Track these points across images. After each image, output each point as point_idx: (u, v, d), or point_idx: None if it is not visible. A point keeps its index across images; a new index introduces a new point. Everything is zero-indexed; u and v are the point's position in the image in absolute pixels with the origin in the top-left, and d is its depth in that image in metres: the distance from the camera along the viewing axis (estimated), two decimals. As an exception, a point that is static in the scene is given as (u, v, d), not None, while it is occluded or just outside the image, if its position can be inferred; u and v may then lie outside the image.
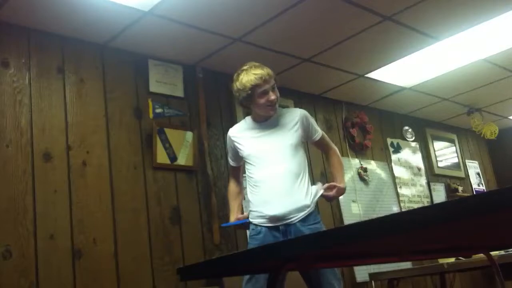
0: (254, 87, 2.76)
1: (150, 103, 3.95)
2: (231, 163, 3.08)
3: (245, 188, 3.06)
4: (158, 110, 3.98)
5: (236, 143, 2.96)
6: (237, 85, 2.82)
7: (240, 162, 3.02)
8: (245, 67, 2.84)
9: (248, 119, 2.99)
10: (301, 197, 2.78)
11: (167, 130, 3.94)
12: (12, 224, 3.08)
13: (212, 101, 4.35)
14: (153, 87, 4.00)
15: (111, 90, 3.77)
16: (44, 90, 3.44)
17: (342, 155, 5.25)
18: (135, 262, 3.52)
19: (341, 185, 3.00)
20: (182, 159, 3.96)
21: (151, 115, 3.92)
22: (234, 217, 3.00)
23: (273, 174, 2.80)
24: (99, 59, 3.77)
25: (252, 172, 2.87)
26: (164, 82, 4.08)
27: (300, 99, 5.11)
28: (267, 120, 2.91)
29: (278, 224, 2.75)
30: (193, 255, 3.79)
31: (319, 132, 3.04)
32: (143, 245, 3.60)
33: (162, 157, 3.85)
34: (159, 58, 4.07)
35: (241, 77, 2.81)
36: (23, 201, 3.15)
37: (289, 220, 2.74)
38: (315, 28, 3.97)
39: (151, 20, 3.55)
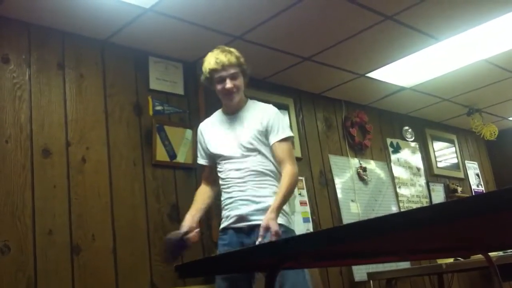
0: (211, 71, 2.68)
1: (150, 100, 3.94)
2: (201, 161, 2.86)
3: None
4: (158, 107, 3.97)
5: (205, 138, 2.81)
6: (202, 68, 2.76)
7: (210, 160, 2.81)
8: (214, 49, 2.75)
9: (219, 111, 2.87)
10: (264, 199, 2.60)
11: (166, 127, 3.94)
12: (11, 219, 3.08)
13: (212, 99, 4.31)
14: (153, 84, 3.99)
15: (111, 87, 3.76)
16: (44, 86, 3.44)
17: (342, 155, 5.30)
18: (133, 259, 3.52)
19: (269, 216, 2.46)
20: (182, 157, 3.96)
21: (150, 112, 3.92)
22: (186, 223, 2.66)
23: (242, 173, 2.65)
24: (99, 55, 3.77)
25: (220, 167, 2.75)
26: (164, 79, 4.07)
27: (300, 97, 5.11)
28: (236, 113, 2.76)
29: (242, 225, 2.61)
30: (191, 252, 3.77)
31: (279, 136, 2.68)
32: (141, 242, 3.60)
33: (161, 154, 3.85)
34: (160, 55, 4.07)
35: (206, 58, 2.74)
36: (22, 196, 3.15)
37: (252, 222, 2.58)
38: (316, 27, 3.97)
39: (151, 17, 3.55)
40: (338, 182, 5.13)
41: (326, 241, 1.30)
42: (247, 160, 2.67)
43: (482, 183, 7.13)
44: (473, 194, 6.70)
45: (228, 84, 2.66)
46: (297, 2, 3.58)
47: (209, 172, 2.84)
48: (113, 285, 3.38)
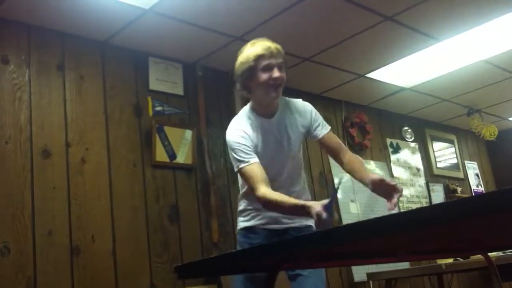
0: (258, 57, 2.39)
1: (150, 101, 3.94)
2: (250, 158, 2.38)
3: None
4: (158, 108, 3.98)
5: (250, 139, 2.45)
6: (239, 58, 2.46)
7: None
8: (253, 40, 2.50)
9: (250, 112, 2.53)
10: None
11: (166, 128, 3.94)
12: (11, 220, 3.08)
13: (211, 99, 4.35)
14: (153, 85, 4.00)
15: (111, 88, 3.77)
16: (43, 87, 3.44)
17: (341, 155, 5.29)
18: (133, 260, 3.52)
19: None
20: (181, 157, 3.96)
21: (150, 113, 3.92)
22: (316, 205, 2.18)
23: (285, 178, 2.52)
24: (99, 56, 3.77)
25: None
26: (164, 80, 4.08)
27: (300, 98, 5.09)
28: (273, 116, 2.51)
29: (277, 227, 2.53)
30: (191, 253, 3.79)
31: (326, 127, 2.63)
32: (141, 243, 3.60)
33: (161, 155, 3.85)
34: (160, 56, 4.07)
35: (246, 48, 2.46)
36: (22, 197, 3.15)
37: (286, 225, 2.53)
38: (315, 27, 3.97)
39: (151, 17, 3.55)
40: (338, 183, 5.13)
41: (326, 241, 1.30)
42: (286, 167, 2.54)
43: (481, 183, 7.13)
44: (473, 194, 6.70)
45: (277, 73, 2.39)
46: (297, 2, 3.58)
47: (261, 169, 2.38)
48: (113, 286, 3.38)
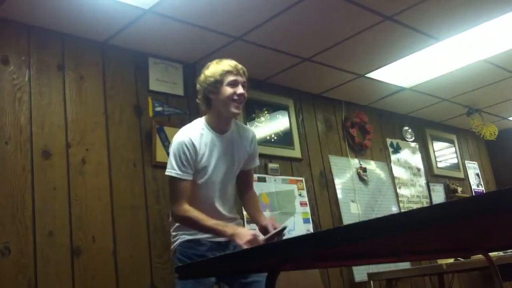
0: (225, 73, 2.54)
1: (150, 101, 3.94)
2: (186, 176, 2.54)
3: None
4: (158, 109, 3.98)
5: (198, 152, 2.58)
6: (205, 72, 2.61)
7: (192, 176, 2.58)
8: (218, 59, 2.67)
9: (204, 125, 2.65)
10: (236, 217, 2.76)
11: (166, 128, 3.94)
12: (11, 221, 3.08)
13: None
14: (153, 85, 4.00)
15: (111, 88, 3.77)
16: (43, 88, 3.44)
17: (342, 155, 5.30)
18: (133, 260, 3.52)
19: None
20: (182, 158, 3.95)
21: (150, 113, 3.92)
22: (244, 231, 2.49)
23: (221, 197, 2.65)
24: (99, 56, 3.77)
25: (199, 189, 2.61)
26: (164, 80, 4.08)
27: (300, 98, 5.11)
28: (225, 133, 2.66)
29: (221, 239, 2.58)
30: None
31: (257, 162, 2.85)
32: (142, 243, 3.60)
33: (161, 155, 3.84)
34: (160, 56, 4.07)
35: (212, 65, 2.62)
36: (22, 198, 3.15)
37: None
38: (315, 27, 3.97)
39: (151, 18, 3.55)
40: (338, 183, 5.13)
41: (326, 242, 1.30)
42: (229, 186, 2.71)
43: (482, 183, 7.13)
44: (473, 194, 6.70)
45: (241, 89, 2.57)
46: (297, 2, 3.58)
47: (191, 189, 2.57)
48: (114, 286, 3.38)
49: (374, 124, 5.77)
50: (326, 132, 5.28)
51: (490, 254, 2.58)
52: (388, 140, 5.95)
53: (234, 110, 2.57)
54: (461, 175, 6.81)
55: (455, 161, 6.82)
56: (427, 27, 4.17)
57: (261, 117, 4.70)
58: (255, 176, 4.15)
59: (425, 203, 6.00)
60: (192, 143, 2.56)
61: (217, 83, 2.56)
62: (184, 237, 2.63)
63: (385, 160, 5.79)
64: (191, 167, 2.55)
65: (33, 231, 3.14)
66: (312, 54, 4.42)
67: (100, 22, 3.54)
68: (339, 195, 5.09)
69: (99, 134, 3.61)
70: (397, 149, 6.00)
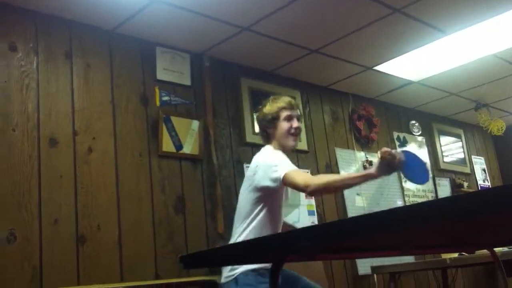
0: (281, 109, 2.80)
1: (157, 91, 3.94)
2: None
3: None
4: (165, 98, 3.98)
5: None
6: (263, 109, 2.86)
7: None
8: (274, 97, 2.91)
9: (273, 147, 2.86)
10: None
11: (173, 118, 3.94)
12: (17, 208, 3.09)
13: (218, 90, 4.34)
14: (160, 75, 3.99)
15: (118, 77, 3.77)
16: (51, 75, 3.44)
17: (348, 148, 5.29)
18: (138, 249, 3.53)
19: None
20: (188, 148, 3.96)
21: (157, 103, 3.92)
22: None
23: (281, 216, 2.82)
24: (106, 45, 3.77)
25: (271, 206, 2.72)
26: (171, 70, 4.07)
27: (307, 90, 5.10)
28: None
29: None
30: (196, 244, 3.80)
31: None
32: (146, 233, 3.61)
33: (167, 145, 3.85)
34: (167, 45, 4.06)
35: (270, 102, 2.86)
36: (28, 186, 3.17)
37: None
38: (323, 19, 3.95)
39: (159, 7, 3.54)
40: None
41: (330, 234, 1.30)
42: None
43: (488, 178, 7.10)
44: (479, 189, 6.68)
45: (297, 123, 2.81)
46: (305, -6, 3.57)
47: None
48: (118, 275, 3.40)
49: (381, 117, 5.75)
50: (333, 124, 5.27)
51: (495, 249, 2.58)
52: (395, 134, 5.93)
53: (292, 143, 2.83)
54: (467, 170, 6.79)
55: (461, 156, 6.80)
56: (436, 20, 4.15)
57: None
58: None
59: (430, 197, 5.99)
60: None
61: (274, 119, 2.81)
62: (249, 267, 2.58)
63: (391, 153, 5.76)
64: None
65: (39, 218, 3.16)
66: (320, 46, 4.41)
67: (108, 10, 3.54)
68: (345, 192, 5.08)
69: (106, 123, 3.61)
70: (403, 143, 5.98)
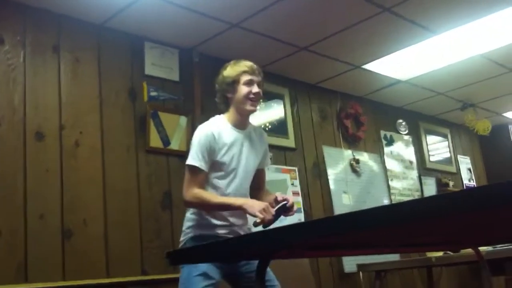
0: (241, 73, 2.69)
1: (145, 86, 3.93)
2: (203, 166, 2.59)
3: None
4: (153, 93, 3.96)
5: (216, 144, 2.63)
6: (223, 73, 2.76)
7: (209, 167, 2.64)
8: (235, 60, 2.80)
9: (224, 120, 2.74)
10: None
11: (161, 113, 3.93)
12: (2, 202, 3.07)
13: (207, 86, 4.31)
14: (149, 70, 3.98)
15: (106, 71, 3.75)
16: (38, 68, 3.42)
17: (336, 146, 5.31)
18: (124, 244, 3.52)
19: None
20: (176, 144, 3.95)
21: (145, 98, 3.91)
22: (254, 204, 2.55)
23: (239, 191, 2.68)
24: (95, 39, 3.75)
25: (220, 182, 2.65)
26: (160, 65, 4.06)
27: (296, 87, 5.10)
28: (244, 129, 2.75)
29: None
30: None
31: (268, 162, 2.97)
32: (133, 228, 3.60)
33: (155, 140, 3.84)
34: (156, 40, 4.05)
35: (230, 65, 2.76)
36: (14, 180, 3.14)
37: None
38: (313, 17, 3.96)
39: (149, 1, 3.53)
40: (331, 173, 5.15)
41: (317, 231, 1.31)
42: (247, 181, 2.75)
43: (473, 178, 7.16)
44: (464, 188, 6.73)
45: (256, 88, 2.70)
46: (295, -9, 3.57)
47: (204, 179, 2.64)
48: (104, 270, 3.39)
49: (369, 116, 5.77)
50: (321, 122, 5.29)
51: (479, 248, 2.60)
52: (382, 132, 5.96)
53: (250, 108, 2.71)
54: (453, 170, 6.84)
55: (447, 155, 6.85)
56: (425, 20, 4.17)
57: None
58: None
59: (416, 196, 6.03)
60: (213, 135, 2.64)
61: (233, 83, 2.70)
62: (195, 231, 2.63)
63: (378, 152, 5.81)
64: (209, 159, 2.62)
65: (24, 213, 3.14)
66: (309, 44, 4.41)
67: (97, 4, 3.52)
68: (332, 186, 5.10)
69: (93, 117, 3.59)
70: (390, 142, 6.01)
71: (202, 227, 2.62)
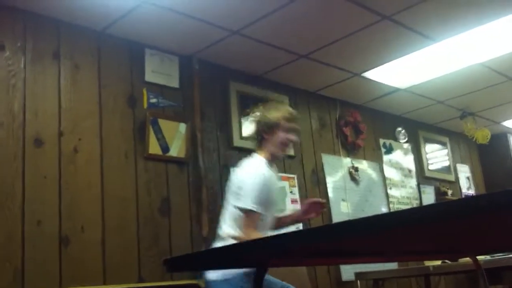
0: (287, 119, 2.80)
1: (145, 93, 3.93)
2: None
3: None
4: (153, 100, 3.96)
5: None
6: (266, 113, 2.84)
7: None
8: (276, 102, 2.96)
9: (264, 160, 2.80)
10: None
11: (160, 120, 3.93)
12: (0, 208, 3.06)
13: (206, 93, 4.34)
14: (149, 77, 3.98)
15: (106, 78, 3.75)
16: (38, 75, 3.42)
17: (334, 154, 5.31)
18: (122, 251, 3.51)
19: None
20: (175, 151, 3.95)
21: (145, 105, 3.91)
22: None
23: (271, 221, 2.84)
24: (95, 45, 3.75)
25: (265, 217, 2.74)
26: (160, 72, 4.06)
27: (295, 95, 5.11)
28: (274, 166, 2.86)
29: None
30: (180, 247, 3.78)
31: None
32: (131, 235, 3.59)
33: (154, 147, 3.84)
34: (156, 47, 4.05)
35: (273, 106, 2.89)
36: (12, 186, 3.14)
37: None
38: (313, 24, 3.97)
39: (149, 8, 3.54)
40: (330, 181, 5.14)
41: (315, 238, 1.30)
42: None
43: (472, 186, 7.15)
44: (463, 197, 6.71)
45: (294, 137, 2.82)
46: (295, -1, 3.58)
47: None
48: (101, 277, 3.37)
49: (368, 124, 5.78)
50: (320, 130, 5.29)
51: (477, 257, 2.60)
52: (381, 141, 5.96)
53: (283, 153, 2.88)
54: (452, 178, 6.83)
55: (446, 163, 6.84)
56: (425, 28, 4.18)
57: (256, 113, 4.69)
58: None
59: (415, 204, 6.02)
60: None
61: (273, 127, 2.80)
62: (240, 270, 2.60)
63: (377, 160, 5.80)
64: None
65: (22, 219, 3.13)
66: (309, 52, 4.42)
67: (97, 11, 3.53)
68: (330, 194, 5.10)
69: (92, 124, 3.59)
70: (389, 150, 6.01)
71: None
